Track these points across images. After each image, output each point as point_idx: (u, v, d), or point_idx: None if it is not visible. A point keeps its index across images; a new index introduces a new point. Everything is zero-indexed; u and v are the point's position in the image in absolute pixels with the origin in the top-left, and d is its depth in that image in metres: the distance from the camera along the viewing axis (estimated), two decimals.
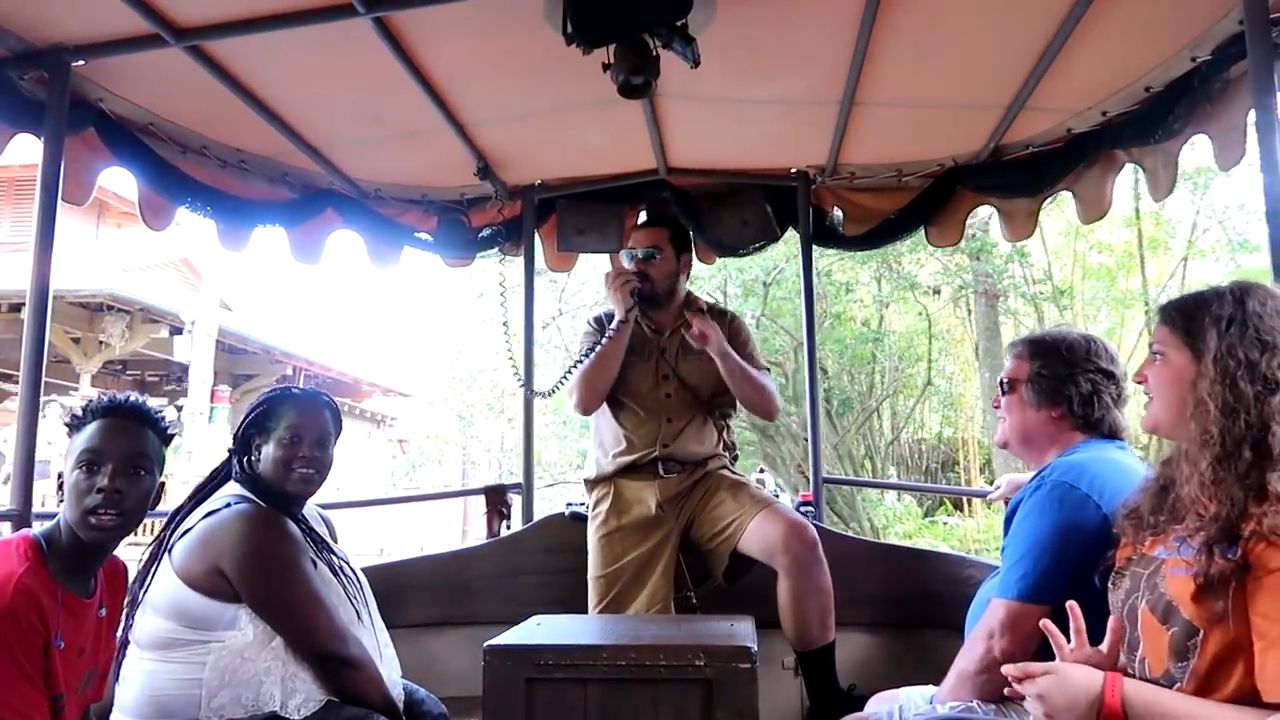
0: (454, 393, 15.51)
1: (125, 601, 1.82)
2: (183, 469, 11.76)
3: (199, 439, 12.44)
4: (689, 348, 2.75)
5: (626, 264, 2.80)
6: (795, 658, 2.71)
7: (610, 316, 2.78)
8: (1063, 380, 1.74)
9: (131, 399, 1.69)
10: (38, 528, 1.65)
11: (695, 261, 3.20)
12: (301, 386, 2.09)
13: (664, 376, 2.76)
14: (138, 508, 1.63)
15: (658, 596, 2.56)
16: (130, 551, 1.81)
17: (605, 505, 2.72)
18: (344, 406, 16.77)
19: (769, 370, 2.85)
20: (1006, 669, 1.34)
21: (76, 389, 12.37)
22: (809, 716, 2.54)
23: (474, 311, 12.97)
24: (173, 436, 1.76)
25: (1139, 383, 1.46)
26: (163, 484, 1.71)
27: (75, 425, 1.66)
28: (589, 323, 2.91)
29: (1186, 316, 1.35)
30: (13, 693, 1.46)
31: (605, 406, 2.79)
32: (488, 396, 14.79)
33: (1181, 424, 1.32)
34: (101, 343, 12.31)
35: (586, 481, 2.82)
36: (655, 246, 2.78)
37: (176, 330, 12.28)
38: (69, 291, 11.15)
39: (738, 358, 2.68)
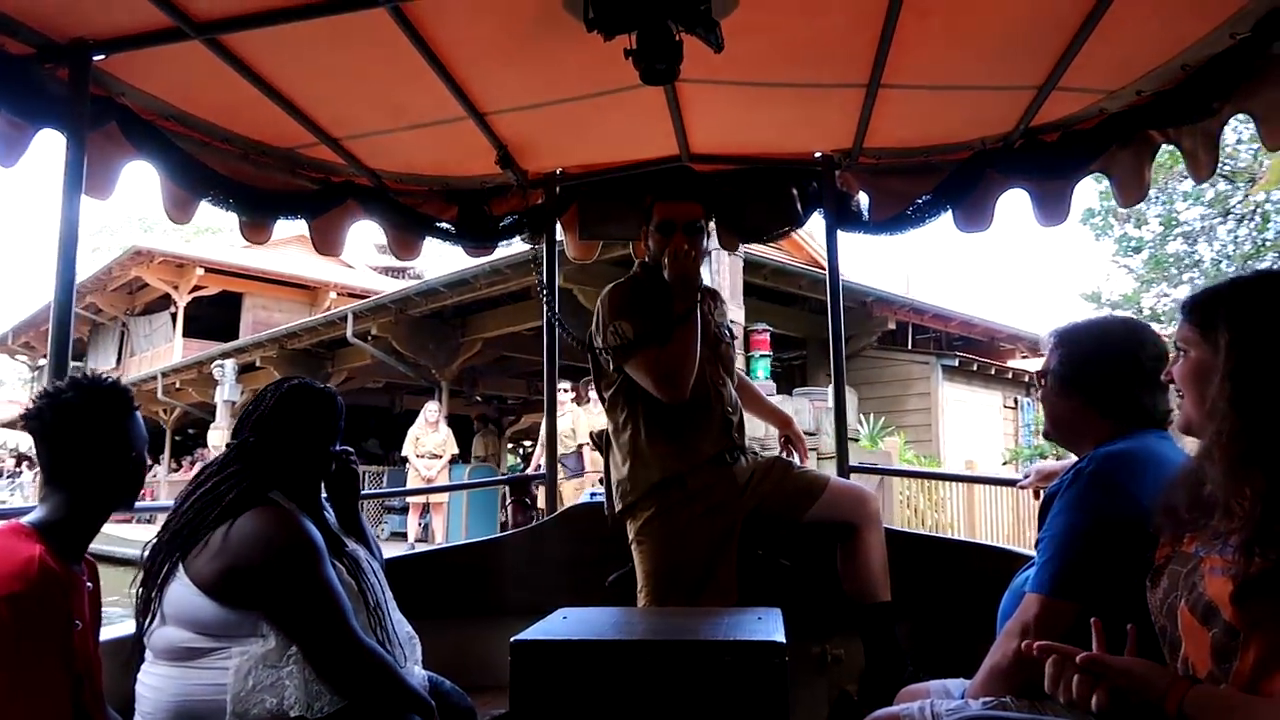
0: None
1: (137, 598, 1.80)
2: None
3: None
4: (714, 338, 2.67)
5: (660, 238, 2.53)
6: (823, 647, 2.71)
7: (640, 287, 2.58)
8: (1077, 369, 1.71)
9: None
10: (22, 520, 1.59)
11: None
12: None
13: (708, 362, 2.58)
14: None
15: (730, 589, 2.44)
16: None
17: (671, 504, 2.47)
18: (974, 366, 13.11)
19: None
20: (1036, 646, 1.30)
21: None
22: (865, 677, 2.51)
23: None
24: None
25: (1168, 381, 1.43)
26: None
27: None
28: (626, 292, 2.57)
29: (1201, 310, 1.33)
30: (38, 675, 1.45)
31: (654, 411, 2.50)
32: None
33: (1206, 420, 1.30)
34: None
35: (656, 484, 2.49)
36: (699, 222, 2.56)
37: None
38: (500, 260, 10.02)
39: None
